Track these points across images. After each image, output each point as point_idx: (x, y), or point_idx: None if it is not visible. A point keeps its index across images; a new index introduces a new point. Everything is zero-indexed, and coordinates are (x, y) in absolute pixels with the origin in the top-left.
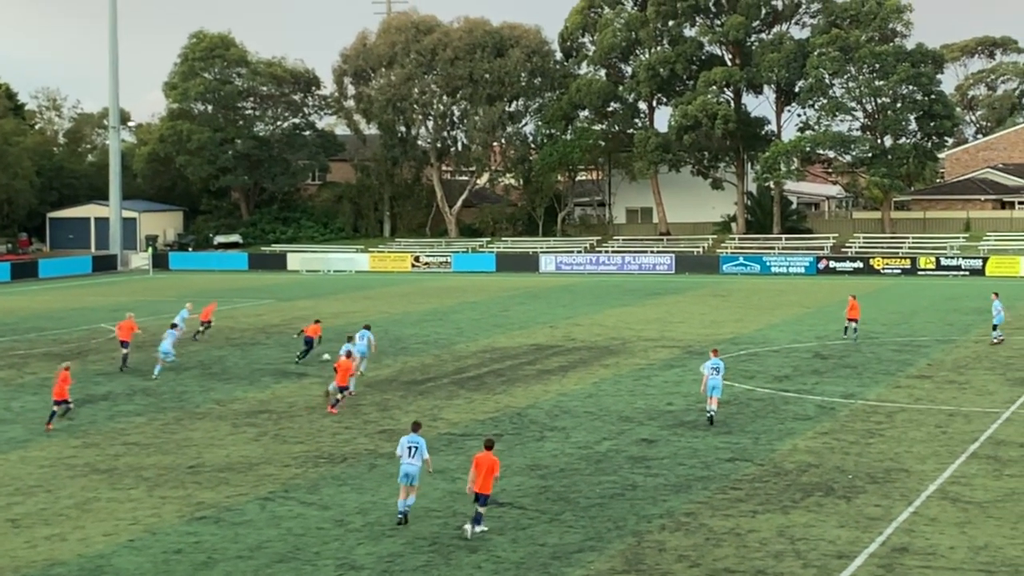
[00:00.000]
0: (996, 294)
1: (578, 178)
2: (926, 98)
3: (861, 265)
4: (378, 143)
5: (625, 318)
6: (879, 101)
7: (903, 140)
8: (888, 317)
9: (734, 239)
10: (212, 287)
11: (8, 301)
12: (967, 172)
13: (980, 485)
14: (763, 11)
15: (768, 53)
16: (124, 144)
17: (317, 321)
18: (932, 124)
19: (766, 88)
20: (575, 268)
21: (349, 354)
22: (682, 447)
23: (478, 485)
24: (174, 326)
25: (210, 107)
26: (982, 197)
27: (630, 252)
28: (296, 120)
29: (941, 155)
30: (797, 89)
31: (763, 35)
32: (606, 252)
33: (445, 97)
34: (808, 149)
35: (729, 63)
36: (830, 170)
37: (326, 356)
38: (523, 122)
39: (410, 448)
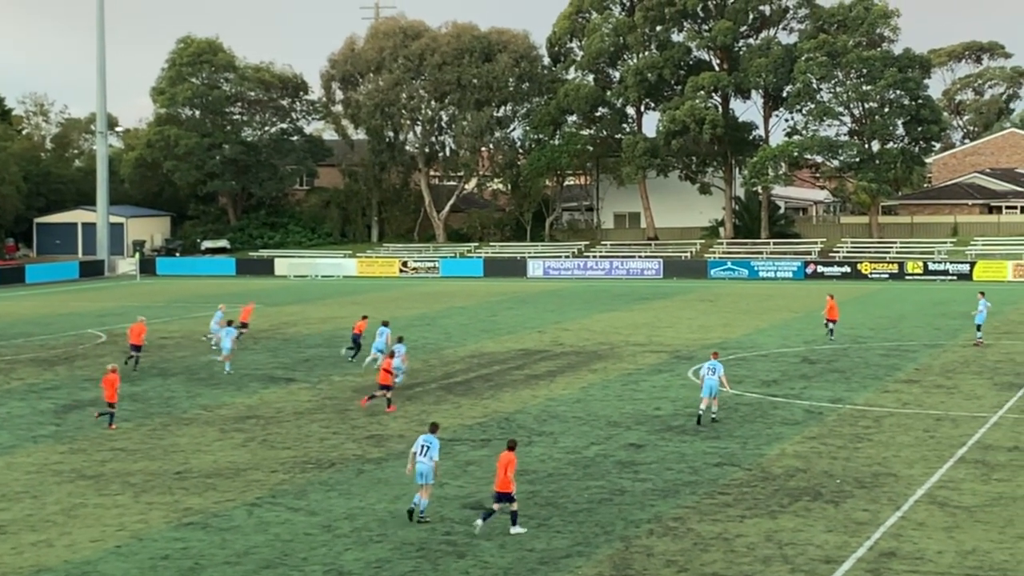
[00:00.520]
0: (982, 293)
1: (566, 183)
2: (913, 103)
3: (849, 270)
4: (366, 148)
5: (613, 323)
6: (866, 106)
7: (890, 145)
8: (876, 322)
9: (722, 244)
10: (200, 292)
11: None
12: (954, 177)
13: (968, 489)
14: (751, 16)
15: (756, 58)
16: (111, 149)
17: (364, 317)
18: (919, 129)
19: (754, 93)
20: (563, 273)
21: (392, 353)
22: (670, 452)
23: (497, 484)
24: (231, 322)
25: (198, 112)
26: (969, 202)
27: (618, 257)
28: (284, 125)
29: (928, 160)
30: (785, 94)
31: (751, 40)
32: (594, 257)
33: (433, 102)
34: (796, 154)
35: (717, 68)
36: (818, 175)
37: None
38: (511, 127)
39: (423, 447)
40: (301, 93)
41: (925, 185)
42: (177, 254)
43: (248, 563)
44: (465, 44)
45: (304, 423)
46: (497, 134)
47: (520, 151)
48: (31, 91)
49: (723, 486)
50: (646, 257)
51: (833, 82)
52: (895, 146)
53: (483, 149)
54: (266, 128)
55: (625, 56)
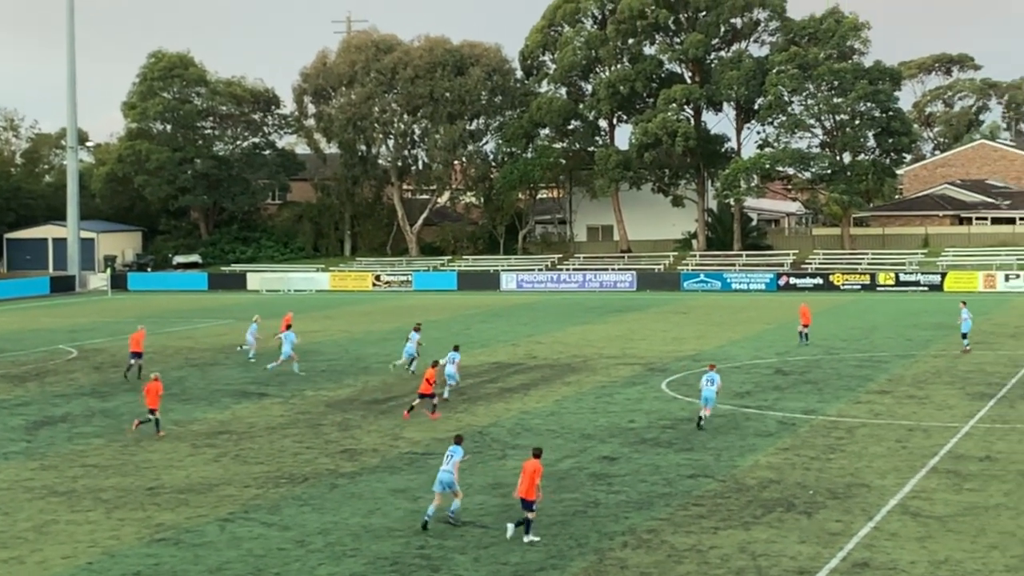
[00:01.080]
0: (964, 303)
1: (539, 196)
2: (884, 115)
3: (821, 281)
4: (338, 162)
5: (586, 335)
6: (838, 118)
7: (862, 157)
8: (848, 333)
9: (695, 256)
10: (171, 308)
11: None
12: (925, 188)
13: (940, 499)
14: (722, 29)
15: (727, 71)
16: (82, 164)
17: (418, 325)
18: (890, 141)
19: (726, 105)
20: (536, 286)
21: (435, 363)
22: (644, 464)
23: (521, 490)
24: (288, 327)
25: (169, 127)
26: (940, 213)
27: (591, 269)
28: (256, 139)
29: (899, 171)
30: (756, 106)
31: (722, 53)
32: (567, 270)
33: (406, 116)
34: (768, 166)
35: (689, 81)
36: (790, 187)
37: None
38: (484, 140)
39: (447, 456)
40: (273, 107)
41: (896, 196)
42: (148, 269)
43: None
44: (437, 57)
45: (277, 438)
46: (470, 147)
47: (493, 164)
48: (1, 106)
49: (697, 498)
50: (619, 270)
51: (804, 94)
52: (866, 158)
53: (456, 162)
54: (238, 142)
55: (597, 69)
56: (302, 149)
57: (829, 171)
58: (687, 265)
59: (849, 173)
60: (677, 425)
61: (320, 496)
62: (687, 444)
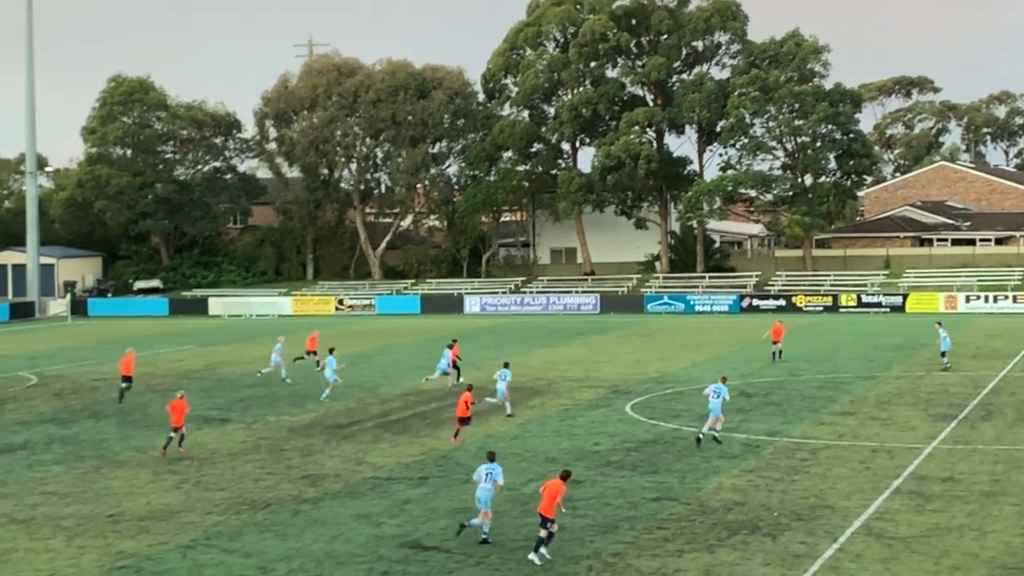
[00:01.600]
0: (940, 323)
1: (502, 219)
2: (845, 137)
3: (784, 303)
4: (300, 186)
5: (550, 358)
6: (799, 140)
7: (823, 179)
8: (811, 354)
9: (658, 278)
10: (133, 333)
11: None
12: (886, 210)
13: (904, 520)
14: (684, 52)
15: (689, 93)
16: (41, 189)
17: (455, 342)
18: (851, 163)
19: (688, 128)
20: (500, 309)
21: (470, 386)
22: (608, 487)
23: (541, 507)
24: (332, 351)
25: (129, 151)
26: (901, 235)
27: (555, 292)
28: (217, 163)
29: (860, 193)
30: (718, 129)
31: (684, 76)
32: (531, 292)
33: (368, 139)
34: (730, 188)
35: (651, 103)
36: (752, 209)
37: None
38: (446, 164)
39: (486, 474)
40: (234, 131)
41: (857, 218)
42: (109, 295)
43: None
44: (400, 81)
45: (239, 464)
46: (433, 171)
47: (456, 187)
48: None
49: (662, 521)
50: (583, 292)
51: (766, 117)
52: (827, 180)
53: (419, 186)
54: (199, 167)
55: (560, 92)
56: (264, 173)
57: (791, 193)
58: (650, 287)
59: (811, 195)
60: (641, 448)
61: (282, 522)
62: (652, 467)
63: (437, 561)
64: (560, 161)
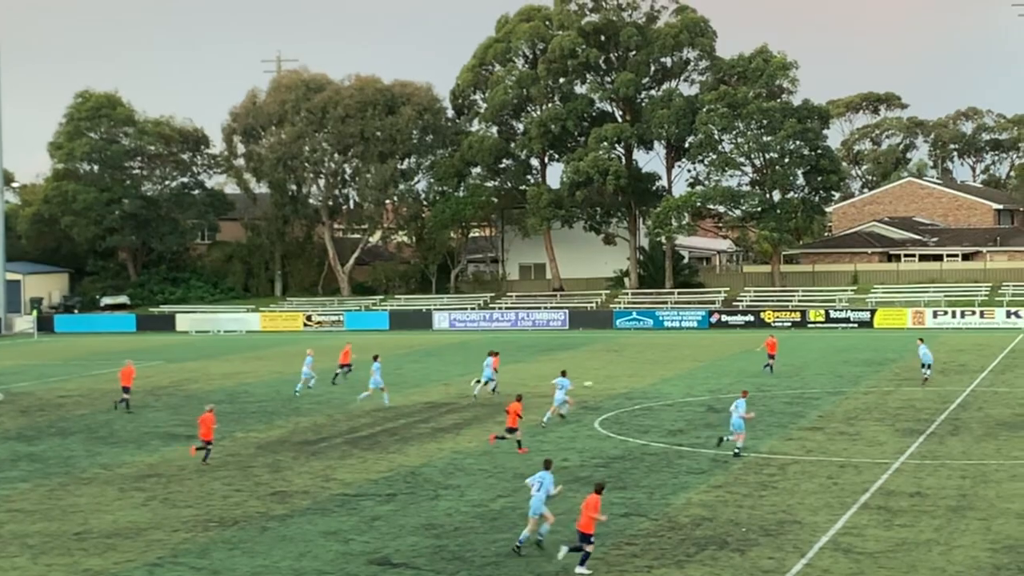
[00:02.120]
0: (921, 340)
1: (471, 235)
2: (813, 153)
3: (752, 318)
4: (268, 202)
5: (519, 374)
6: (767, 156)
7: (791, 194)
8: (779, 370)
9: (627, 294)
10: (99, 350)
11: None
12: (854, 226)
13: (871, 536)
14: (652, 68)
15: (658, 109)
16: (8, 205)
17: (497, 352)
18: (819, 179)
19: (656, 144)
20: (469, 325)
21: (520, 397)
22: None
23: (580, 523)
24: (375, 357)
25: (96, 167)
26: (869, 250)
27: (524, 308)
28: (185, 179)
29: (828, 209)
30: (687, 145)
31: (653, 92)
32: (500, 308)
33: (336, 155)
34: (699, 204)
35: (620, 119)
36: (720, 225)
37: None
38: (415, 179)
39: (538, 482)
40: (202, 147)
41: (825, 234)
42: (76, 311)
43: None
44: (368, 97)
45: (206, 481)
46: (401, 186)
47: (425, 203)
48: None
49: (630, 536)
50: (552, 308)
51: (734, 133)
52: (796, 196)
53: (387, 201)
54: (166, 182)
55: (529, 108)
56: (232, 189)
57: (759, 209)
58: (619, 303)
59: (779, 211)
60: (610, 464)
61: (250, 539)
62: (620, 483)
63: None
64: (529, 177)
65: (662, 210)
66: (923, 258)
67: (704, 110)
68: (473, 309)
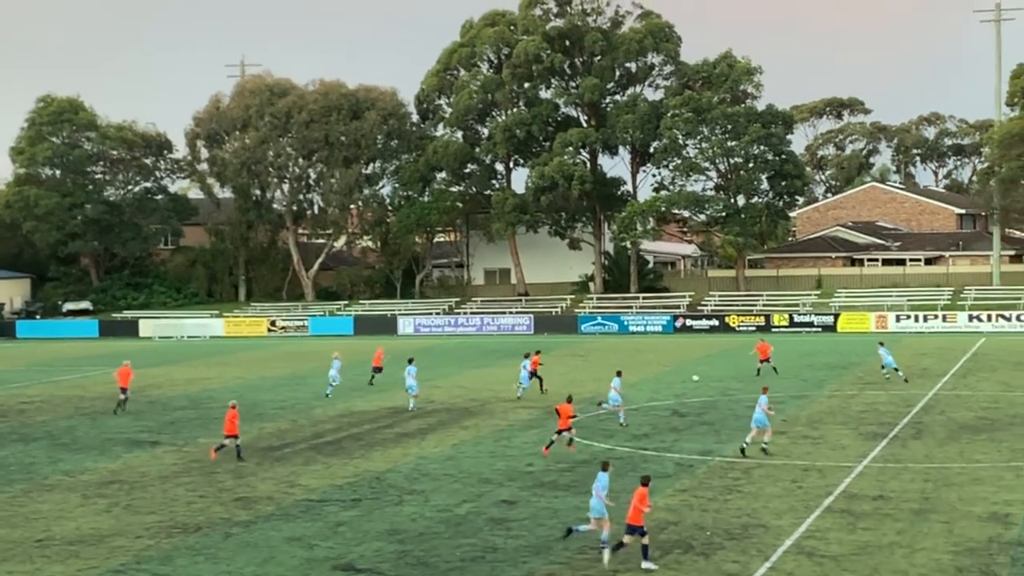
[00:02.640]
0: (881, 343)
1: (436, 240)
2: (777, 158)
3: (717, 323)
4: (232, 206)
5: (484, 379)
6: (732, 161)
7: (755, 199)
8: (744, 374)
9: (592, 299)
10: (61, 356)
11: None
12: (818, 230)
13: (835, 539)
14: (617, 73)
15: (623, 114)
16: None
17: (538, 352)
18: (783, 183)
19: (621, 149)
20: (434, 330)
21: (570, 398)
22: (542, 508)
23: (628, 516)
24: (411, 360)
25: (58, 172)
26: (832, 255)
27: (489, 313)
28: (148, 184)
29: (792, 214)
30: (652, 150)
31: (618, 97)
32: (465, 313)
33: (301, 160)
34: (663, 209)
35: (585, 124)
36: (685, 229)
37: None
38: (380, 184)
39: (595, 484)
40: (165, 151)
41: (790, 239)
42: (38, 317)
43: None
44: (333, 101)
45: (170, 487)
46: (366, 191)
47: (389, 208)
48: None
49: (595, 541)
50: (517, 313)
51: (699, 138)
52: (760, 200)
53: (352, 206)
54: (129, 187)
55: (493, 113)
56: (195, 194)
57: (724, 213)
58: (584, 308)
59: (743, 215)
60: (575, 468)
61: (214, 545)
62: (585, 487)
63: None
64: (494, 182)
65: (627, 215)
66: (886, 262)
67: (669, 115)
68: (438, 314)
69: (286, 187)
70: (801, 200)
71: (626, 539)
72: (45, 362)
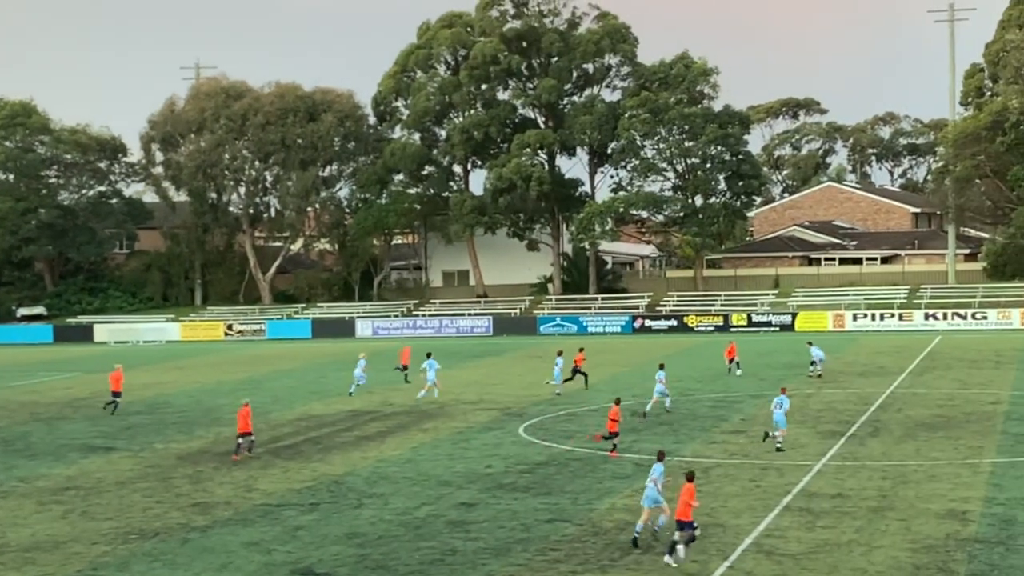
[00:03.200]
0: (810, 343)
1: (394, 242)
2: (734, 158)
3: (675, 323)
4: (188, 210)
5: (443, 381)
6: (689, 161)
7: (713, 200)
8: (702, 374)
9: (551, 300)
10: (15, 361)
11: None
12: (775, 230)
13: (794, 537)
14: (574, 74)
15: (580, 116)
16: None
17: (581, 349)
18: (740, 184)
19: (579, 150)
20: (392, 332)
21: (618, 401)
22: (501, 510)
23: (677, 512)
24: (429, 355)
25: (11, 176)
26: (790, 254)
27: (447, 315)
28: (102, 188)
29: (750, 214)
30: (610, 150)
31: (575, 98)
32: (423, 315)
33: (257, 162)
34: (622, 209)
35: (542, 126)
36: (643, 230)
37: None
38: (337, 187)
39: (650, 473)
40: (120, 155)
41: (747, 239)
42: None
43: None
44: (289, 104)
45: (126, 492)
46: (323, 194)
47: (347, 211)
48: None
49: (555, 542)
50: (476, 315)
51: (656, 138)
52: (717, 201)
53: (309, 209)
54: (84, 191)
55: (451, 115)
56: (150, 197)
57: (682, 214)
58: (543, 309)
59: (701, 216)
60: (535, 470)
61: (171, 551)
62: (545, 488)
63: None
64: (452, 183)
65: (585, 216)
66: (843, 261)
67: (626, 116)
68: (396, 316)
69: (242, 190)
70: (758, 200)
71: (678, 535)
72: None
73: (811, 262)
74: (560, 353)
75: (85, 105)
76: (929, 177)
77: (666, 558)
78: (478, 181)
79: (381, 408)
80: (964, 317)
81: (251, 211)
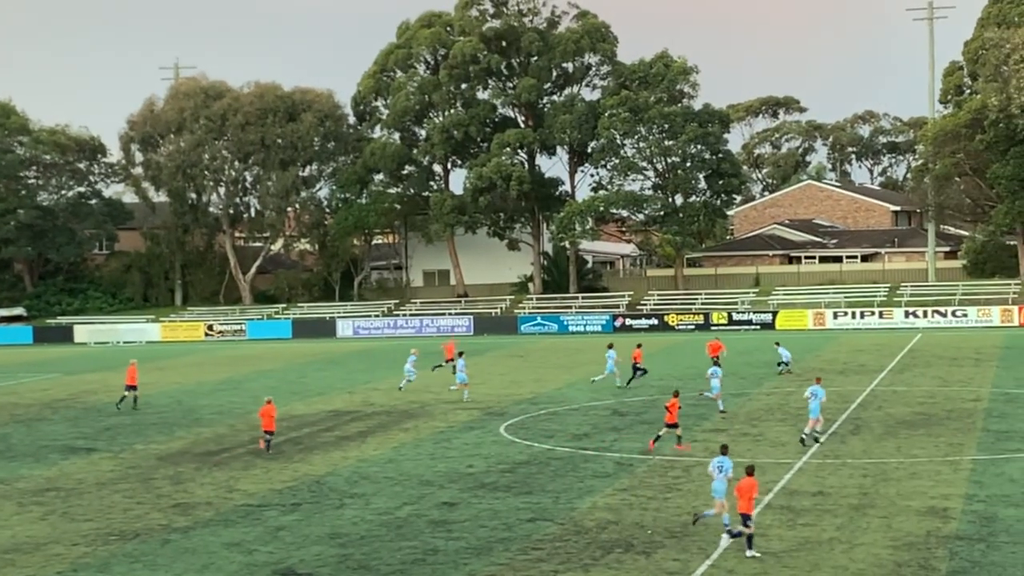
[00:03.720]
0: (778, 343)
1: (374, 242)
2: (714, 157)
3: (656, 322)
4: (168, 210)
5: (425, 381)
6: (669, 160)
7: (693, 198)
8: (683, 372)
9: (531, 299)
10: None
11: None
12: (755, 229)
13: (775, 535)
14: (554, 74)
15: (560, 115)
16: None
17: (639, 345)
18: (720, 182)
19: (559, 149)
20: (373, 332)
21: (677, 393)
22: (483, 509)
23: (740, 506)
24: (461, 354)
25: None
26: (770, 252)
27: (428, 315)
28: (82, 188)
29: (730, 212)
30: (589, 150)
31: (555, 97)
32: (404, 315)
33: (237, 163)
34: (602, 209)
35: (522, 125)
36: (624, 229)
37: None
38: (317, 187)
39: (718, 467)
40: (99, 156)
41: (728, 237)
42: None
43: None
44: (268, 104)
45: (106, 494)
46: (303, 194)
47: (327, 211)
48: None
49: (536, 541)
50: (456, 314)
51: (636, 137)
52: (697, 199)
53: (289, 209)
54: (63, 192)
55: (431, 114)
56: (130, 198)
57: (662, 213)
58: (524, 308)
59: (681, 214)
60: (516, 469)
61: (152, 552)
62: (526, 488)
63: None
64: (432, 183)
65: (565, 215)
66: (823, 260)
67: (606, 115)
68: (377, 316)
69: (222, 190)
70: (738, 199)
71: (745, 528)
72: None
73: (791, 260)
74: (611, 346)
75: (64, 105)
76: (909, 175)
77: (748, 552)
78: (458, 181)
79: (362, 408)
80: (944, 315)
81: (231, 211)
